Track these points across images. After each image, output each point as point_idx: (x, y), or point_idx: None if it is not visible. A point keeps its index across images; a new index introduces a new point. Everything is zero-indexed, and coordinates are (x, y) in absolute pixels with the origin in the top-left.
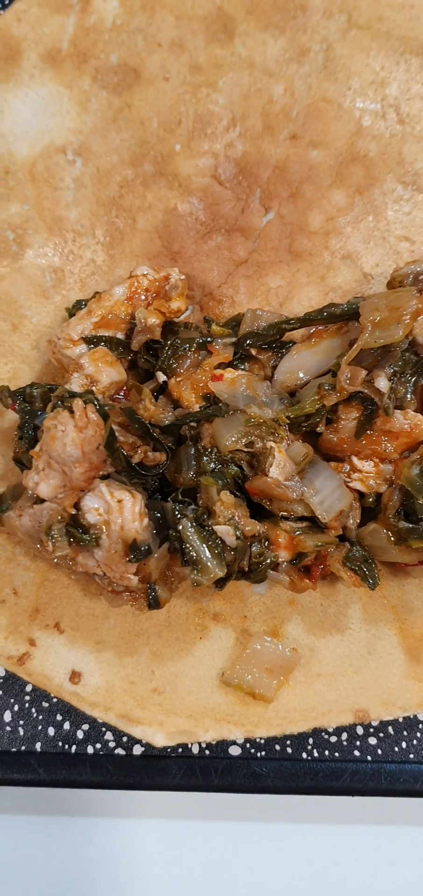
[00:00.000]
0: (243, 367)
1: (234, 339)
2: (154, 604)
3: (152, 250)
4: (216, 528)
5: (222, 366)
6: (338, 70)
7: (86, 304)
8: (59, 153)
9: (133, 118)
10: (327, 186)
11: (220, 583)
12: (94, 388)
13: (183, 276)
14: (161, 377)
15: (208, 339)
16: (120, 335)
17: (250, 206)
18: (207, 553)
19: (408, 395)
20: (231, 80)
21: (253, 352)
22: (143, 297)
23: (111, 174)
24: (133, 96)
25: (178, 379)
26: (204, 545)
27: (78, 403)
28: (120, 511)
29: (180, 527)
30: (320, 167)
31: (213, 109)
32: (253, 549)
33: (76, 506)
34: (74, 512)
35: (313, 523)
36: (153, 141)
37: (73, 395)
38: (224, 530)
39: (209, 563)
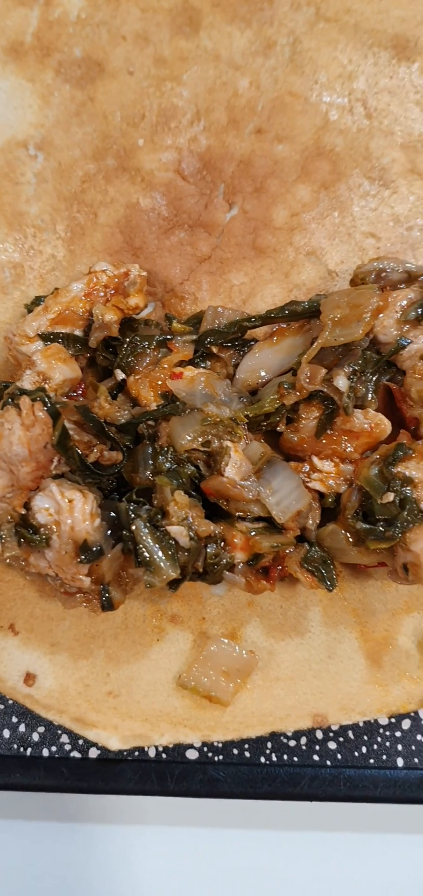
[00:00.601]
0: (204, 365)
1: (194, 337)
2: (108, 605)
3: (114, 246)
4: (170, 528)
5: (182, 364)
6: (305, 63)
7: (44, 301)
8: (21, 148)
9: (96, 112)
10: (292, 181)
11: (174, 584)
12: (46, 386)
13: (144, 273)
14: (120, 375)
15: (169, 336)
16: (78, 332)
17: (213, 202)
18: (161, 554)
19: (369, 395)
20: (196, 74)
21: (214, 350)
22: (101, 294)
23: (73, 169)
24: (96, 90)
25: (137, 377)
26: (157, 546)
27: (25, 401)
28: (70, 511)
29: (134, 527)
30: (286, 162)
31: (177, 103)
32: (209, 549)
33: (27, 506)
34: (23, 512)
35: (270, 524)
36: (116, 135)
37: (23, 392)
38: (178, 531)
39: (162, 564)
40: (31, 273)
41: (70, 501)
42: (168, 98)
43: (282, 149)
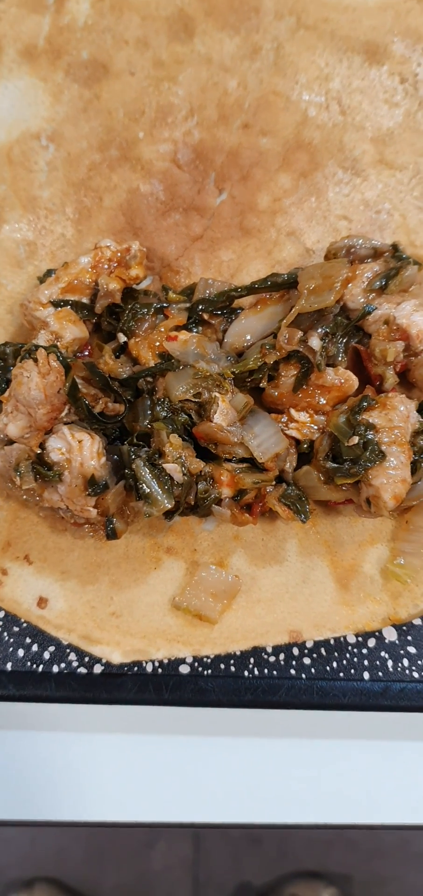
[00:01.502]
0: (196, 330)
1: (188, 305)
2: (112, 535)
3: (117, 226)
4: (166, 465)
5: (177, 329)
6: (287, 66)
7: (56, 272)
8: (34, 139)
9: (101, 108)
10: (274, 171)
11: (169, 514)
12: (58, 343)
13: (144, 248)
14: (122, 338)
15: (165, 304)
16: (85, 300)
17: (205, 188)
18: (157, 487)
19: (339, 355)
20: (190, 75)
21: (205, 316)
22: (106, 266)
23: (81, 158)
24: (102, 89)
25: (137, 339)
26: (155, 481)
27: (41, 352)
28: (80, 450)
29: (134, 465)
30: (269, 153)
31: (173, 101)
32: (199, 486)
33: (42, 446)
34: (39, 451)
35: (252, 465)
36: (119, 129)
37: (38, 347)
38: (172, 468)
39: (159, 497)
40: (43, 250)
41: (80, 442)
42: (165, 96)
43: (266, 142)
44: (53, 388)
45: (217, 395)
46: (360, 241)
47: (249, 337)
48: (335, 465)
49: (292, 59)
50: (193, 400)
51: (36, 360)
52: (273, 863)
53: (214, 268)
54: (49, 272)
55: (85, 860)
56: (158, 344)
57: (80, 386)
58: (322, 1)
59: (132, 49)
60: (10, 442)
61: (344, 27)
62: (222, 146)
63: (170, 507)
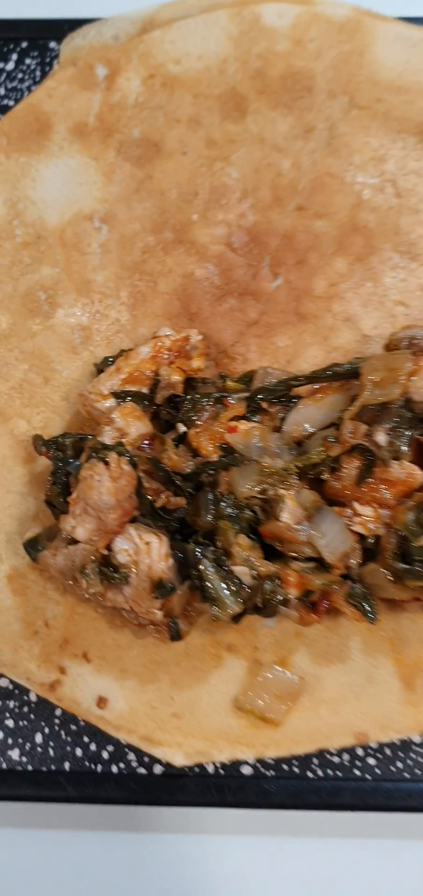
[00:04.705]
0: (254, 419)
1: (247, 394)
2: (176, 636)
3: (172, 311)
4: (234, 568)
5: (236, 418)
6: (341, 147)
7: (113, 361)
8: (87, 220)
9: (154, 189)
10: (330, 254)
11: (236, 617)
12: (123, 440)
13: (201, 336)
14: (181, 428)
15: (224, 393)
16: (144, 390)
17: (260, 272)
18: (226, 591)
19: (404, 448)
20: (243, 155)
21: (264, 405)
22: (165, 356)
23: (134, 241)
24: (154, 168)
25: (196, 430)
26: (223, 583)
27: (113, 456)
28: (148, 552)
29: (201, 566)
30: (324, 237)
31: (227, 182)
32: (266, 586)
33: (108, 547)
34: (106, 553)
35: (319, 563)
36: (173, 210)
37: (105, 447)
38: (241, 571)
39: (227, 600)
40: (97, 335)
41: (147, 544)
42: (219, 177)
43: (321, 224)
44: (125, 492)
45: (284, 492)
46: (421, 333)
47: (308, 426)
48: (406, 565)
49: (345, 140)
50: (259, 497)
51: (106, 463)
52: None
53: (270, 354)
54: (106, 359)
55: None
56: (218, 435)
57: (142, 481)
58: (375, 81)
59: (184, 128)
60: (74, 541)
61: (397, 108)
62: (276, 229)
63: (239, 611)
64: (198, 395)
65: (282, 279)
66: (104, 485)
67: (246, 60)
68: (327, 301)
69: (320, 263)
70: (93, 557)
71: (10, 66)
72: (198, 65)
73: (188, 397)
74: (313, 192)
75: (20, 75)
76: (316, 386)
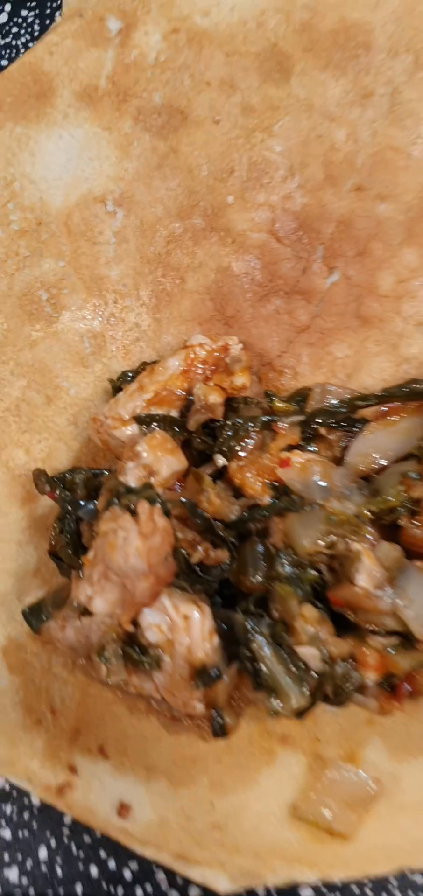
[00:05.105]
0: (310, 448)
1: (302, 418)
2: (220, 732)
3: (204, 314)
4: (299, 649)
5: (289, 448)
6: (406, 115)
7: (133, 376)
8: (98, 203)
9: (180, 165)
10: (397, 244)
11: (301, 713)
12: (152, 480)
13: (241, 346)
14: (220, 461)
15: (273, 417)
16: (174, 412)
17: (311, 266)
18: (288, 679)
19: None
20: (288, 125)
21: (323, 431)
22: (199, 371)
23: (156, 228)
24: (180, 140)
25: (239, 462)
26: (283, 669)
27: (143, 506)
28: (187, 629)
29: (255, 646)
30: (389, 223)
31: (269, 157)
32: (337, 668)
33: (134, 621)
34: (131, 629)
35: (403, 637)
36: (203, 191)
37: (130, 490)
38: (309, 653)
39: (290, 691)
40: (113, 344)
41: (185, 618)
42: (259, 151)
43: (385, 208)
44: (160, 554)
45: (359, 547)
46: None
47: (378, 457)
48: None
49: (411, 107)
50: (326, 552)
51: (135, 514)
52: None
53: (325, 367)
54: (125, 375)
55: None
56: (267, 470)
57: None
58: None
59: (216, 92)
60: (88, 611)
61: None
62: (330, 214)
63: (305, 705)
64: (240, 420)
65: (339, 274)
66: (132, 544)
67: (290, 11)
68: (396, 301)
69: (386, 255)
70: (114, 635)
71: (3, 18)
72: (231, 17)
73: (229, 422)
74: (373, 169)
75: (15, 29)
76: (385, 407)
